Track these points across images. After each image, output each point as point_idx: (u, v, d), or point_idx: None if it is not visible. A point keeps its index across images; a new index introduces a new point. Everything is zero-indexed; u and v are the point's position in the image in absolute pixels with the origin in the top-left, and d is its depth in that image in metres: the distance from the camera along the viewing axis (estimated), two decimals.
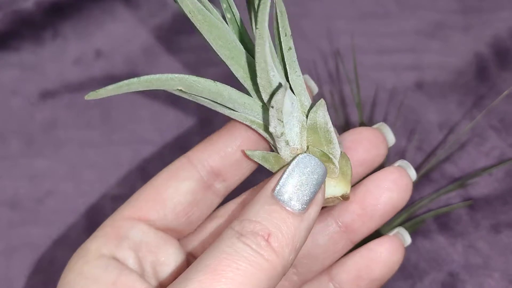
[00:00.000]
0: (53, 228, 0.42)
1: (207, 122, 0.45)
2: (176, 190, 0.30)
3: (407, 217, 0.40)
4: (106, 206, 0.42)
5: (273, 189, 0.25)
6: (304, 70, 0.48)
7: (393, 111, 0.44)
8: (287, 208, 0.25)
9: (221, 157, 0.30)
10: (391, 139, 0.31)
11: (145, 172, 0.43)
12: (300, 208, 0.25)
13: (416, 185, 0.41)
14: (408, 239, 0.32)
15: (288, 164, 0.26)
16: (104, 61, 0.48)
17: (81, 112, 0.46)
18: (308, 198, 0.25)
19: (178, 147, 0.44)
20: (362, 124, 0.42)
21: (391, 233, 0.31)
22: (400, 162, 0.31)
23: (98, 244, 0.28)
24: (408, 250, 0.40)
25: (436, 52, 0.46)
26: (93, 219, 0.42)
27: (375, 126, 0.31)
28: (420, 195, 0.41)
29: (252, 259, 0.24)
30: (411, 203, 0.41)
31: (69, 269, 0.28)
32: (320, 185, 0.26)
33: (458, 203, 0.41)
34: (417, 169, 0.42)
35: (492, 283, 0.38)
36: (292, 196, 0.25)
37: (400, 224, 0.40)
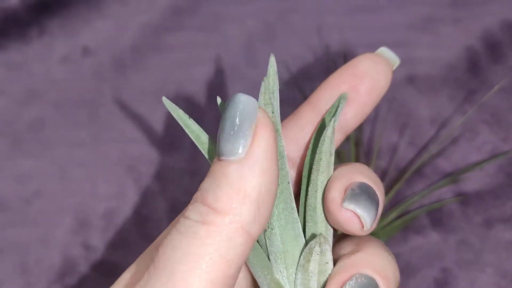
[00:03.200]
0: (41, 228, 0.41)
1: (195, 120, 0.44)
2: None
3: (399, 213, 0.40)
4: (94, 206, 0.42)
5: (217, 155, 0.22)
6: (294, 66, 0.47)
7: (384, 106, 0.44)
8: (223, 158, 0.22)
9: None
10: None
11: (133, 171, 0.43)
12: (240, 151, 0.22)
13: (408, 180, 0.41)
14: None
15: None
16: (92, 59, 0.47)
17: (68, 111, 0.45)
18: (242, 136, 0.22)
19: (167, 145, 0.44)
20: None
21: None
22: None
23: None
24: (400, 246, 0.39)
25: (427, 46, 0.46)
26: (81, 219, 0.42)
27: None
28: (412, 190, 0.41)
29: (197, 232, 0.21)
30: (403, 198, 0.41)
31: None
32: (254, 119, 0.22)
33: (450, 199, 0.41)
34: (409, 164, 0.42)
35: (485, 279, 0.38)
36: (226, 144, 0.22)
37: (393, 220, 0.39)
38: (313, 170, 0.25)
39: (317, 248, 0.24)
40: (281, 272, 0.25)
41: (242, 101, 0.22)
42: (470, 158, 0.42)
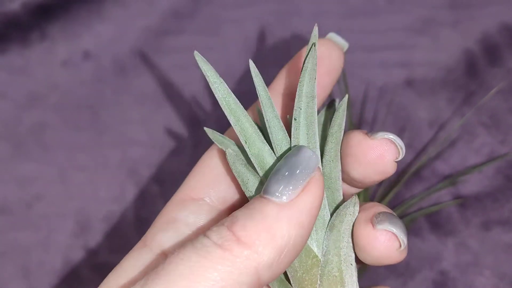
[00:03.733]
0: (42, 231, 0.42)
1: (196, 124, 0.44)
2: None
3: (398, 215, 0.40)
4: (95, 209, 0.42)
5: (262, 191, 0.22)
6: None
7: (383, 109, 0.44)
8: (268, 197, 0.22)
9: None
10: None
11: (134, 174, 0.43)
12: (285, 198, 0.22)
13: (407, 183, 0.41)
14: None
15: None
16: (92, 62, 0.48)
17: (70, 114, 0.46)
18: (294, 184, 0.22)
19: (167, 148, 0.44)
20: (351, 124, 0.42)
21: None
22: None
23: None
24: None
25: (425, 49, 0.46)
26: (82, 223, 0.42)
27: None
28: (411, 193, 0.41)
29: (211, 252, 0.20)
30: (401, 201, 0.41)
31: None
32: (311, 173, 0.22)
33: (448, 201, 0.41)
34: (407, 167, 0.42)
35: (483, 281, 0.38)
36: (276, 184, 0.22)
37: None
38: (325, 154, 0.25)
39: (351, 209, 0.24)
40: (310, 236, 0.24)
41: (307, 155, 0.23)
42: (469, 161, 0.42)
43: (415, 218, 0.40)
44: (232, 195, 0.27)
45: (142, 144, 0.44)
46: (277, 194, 0.22)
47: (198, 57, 0.24)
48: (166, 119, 0.45)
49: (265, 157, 0.25)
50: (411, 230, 0.40)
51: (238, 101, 0.25)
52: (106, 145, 0.45)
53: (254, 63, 0.25)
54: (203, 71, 0.25)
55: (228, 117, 0.25)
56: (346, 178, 0.26)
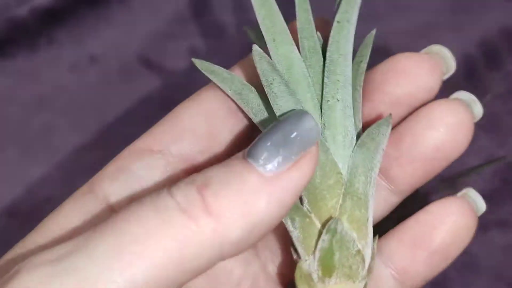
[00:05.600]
0: None
1: None
2: None
3: (396, 218, 0.40)
4: None
5: (246, 152, 0.19)
6: None
7: None
8: (251, 162, 0.18)
9: None
10: (451, 65, 0.25)
11: None
12: (270, 169, 0.18)
13: None
14: (481, 205, 0.25)
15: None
16: (99, 67, 0.48)
17: (77, 118, 0.46)
18: (284, 158, 0.18)
19: None
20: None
21: (458, 194, 0.25)
22: (458, 94, 0.25)
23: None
24: None
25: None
26: None
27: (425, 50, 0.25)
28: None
29: (173, 217, 0.17)
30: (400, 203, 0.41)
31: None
32: (307, 147, 0.19)
33: None
34: None
35: (481, 282, 0.39)
36: (264, 151, 0.18)
37: (390, 226, 0.40)
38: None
39: (384, 128, 0.22)
40: (334, 152, 0.22)
41: (309, 126, 0.19)
42: (467, 163, 0.42)
43: None
44: (194, 155, 0.23)
45: None
46: (260, 161, 0.18)
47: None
48: None
49: (293, 60, 0.23)
50: None
51: None
52: (113, 148, 0.45)
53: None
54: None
55: (256, 12, 0.22)
56: (379, 98, 0.23)
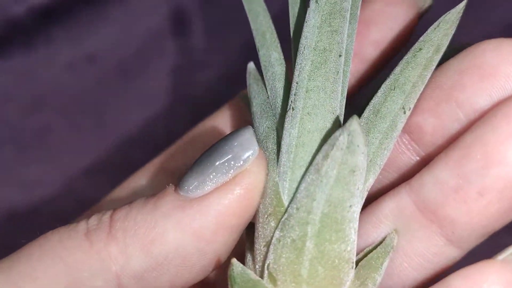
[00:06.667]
0: None
1: None
2: None
3: None
4: None
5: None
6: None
7: None
8: (177, 189, 0.16)
9: None
10: None
11: None
12: (191, 192, 0.15)
13: None
14: None
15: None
16: (97, 66, 0.48)
17: (74, 117, 0.46)
18: (202, 181, 0.16)
19: None
20: None
21: (501, 257, 0.20)
22: None
23: None
24: None
25: None
26: None
27: None
28: None
29: (71, 237, 0.16)
30: None
31: None
32: (237, 166, 0.16)
33: None
34: None
35: None
36: (190, 178, 0.16)
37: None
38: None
39: (342, 139, 0.16)
40: (285, 173, 0.17)
41: (240, 140, 0.17)
42: None
43: None
44: None
45: (146, 147, 0.45)
46: (185, 186, 0.16)
47: None
48: (169, 124, 0.45)
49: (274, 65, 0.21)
50: None
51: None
52: (110, 147, 0.45)
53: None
54: None
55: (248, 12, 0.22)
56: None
